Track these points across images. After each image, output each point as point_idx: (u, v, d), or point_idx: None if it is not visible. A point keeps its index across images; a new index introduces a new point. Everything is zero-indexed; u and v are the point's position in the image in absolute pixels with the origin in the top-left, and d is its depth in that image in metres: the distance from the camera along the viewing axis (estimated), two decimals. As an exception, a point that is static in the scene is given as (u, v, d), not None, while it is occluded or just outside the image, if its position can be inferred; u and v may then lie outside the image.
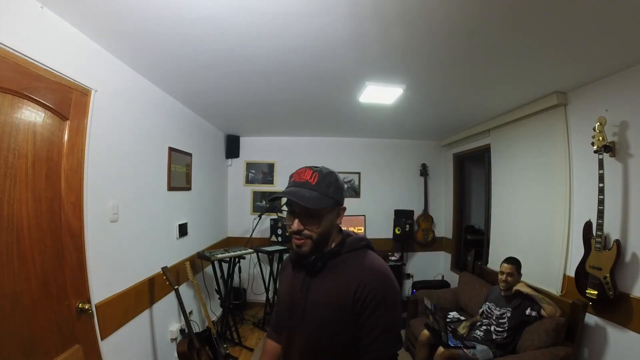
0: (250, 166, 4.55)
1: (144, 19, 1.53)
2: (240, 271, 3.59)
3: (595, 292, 1.99)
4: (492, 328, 2.40)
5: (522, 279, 2.48)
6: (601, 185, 1.98)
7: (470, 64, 2.00)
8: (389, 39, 1.71)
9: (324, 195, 0.94)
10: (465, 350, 2.24)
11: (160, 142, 2.55)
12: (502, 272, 2.46)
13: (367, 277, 0.93)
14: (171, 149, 2.69)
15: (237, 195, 4.51)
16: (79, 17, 1.51)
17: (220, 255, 3.04)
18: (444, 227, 4.63)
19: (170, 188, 2.68)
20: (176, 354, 2.42)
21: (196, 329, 2.79)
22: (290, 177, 1.00)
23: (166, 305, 2.54)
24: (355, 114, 3.25)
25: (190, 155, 3.09)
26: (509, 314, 2.33)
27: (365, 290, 0.91)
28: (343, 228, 1.08)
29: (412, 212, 4.43)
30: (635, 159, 1.93)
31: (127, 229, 2.05)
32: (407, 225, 4.23)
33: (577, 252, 2.22)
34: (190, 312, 2.84)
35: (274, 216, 4.16)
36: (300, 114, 3.35)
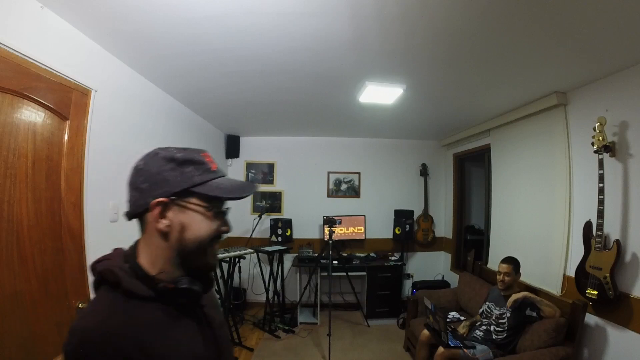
0: (250, 166, 4.55)
1: (144, 19, 1.53)
2: (240, 271, 3.58)
3: (595, 292, 1.99)
4: (492, 328, 2.40)
5: (523, 279, 2.48)
6: (601, 185, 1.98)
7: (471, 63, 2.01)
8: (389, 39, 1.71)
9: None
10: (465, 350, 2.23)
11: (160, 142, 2.52)
12: (499, 272, 2.46)
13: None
14: (171, 149, 2.69)
15: (237, 195, 4.50)
16: (79, 17, 1.51)
17: (220, 255, 3.04)
18: (444, 227, 4.62)
19: (170, 188, 2.68)
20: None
21: (196, 329, 2.79)
22: (200, 162, 0.66)
23: (166, 305, 2.53)
24: (355, 114, 3.25)
25: (190, 155, 3.09)
26: (508, 314, 2.33)
27: None
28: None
29: (412, 212, 4.42)
30: (635, 159, 1.93)
31: (127, 229, 2.02)
32: (407, 225, 4.22)
33: (577, 252, 2.22)
34: (190, 312, 2.83)
35: (274, 216, 4.15)
36: (300, 114, 3.35)
